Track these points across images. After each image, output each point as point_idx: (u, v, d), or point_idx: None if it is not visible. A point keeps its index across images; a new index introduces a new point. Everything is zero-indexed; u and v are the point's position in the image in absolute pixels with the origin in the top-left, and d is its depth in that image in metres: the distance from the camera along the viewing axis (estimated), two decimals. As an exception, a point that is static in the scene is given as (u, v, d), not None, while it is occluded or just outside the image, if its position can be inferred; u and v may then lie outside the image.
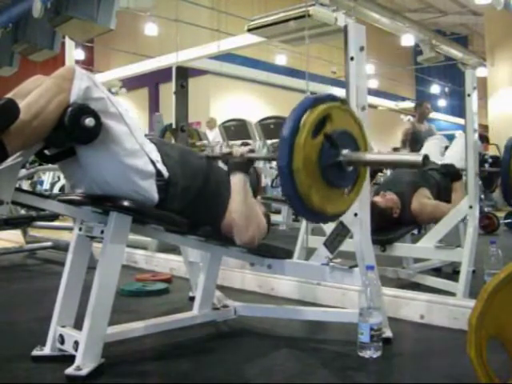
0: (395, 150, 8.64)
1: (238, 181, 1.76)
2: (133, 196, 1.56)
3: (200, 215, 1.72)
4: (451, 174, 2.95)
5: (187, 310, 2.06)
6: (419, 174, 2.96)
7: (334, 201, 1.52)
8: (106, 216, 1.59)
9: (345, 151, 1.46)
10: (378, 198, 2.76)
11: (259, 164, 6.50)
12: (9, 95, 1.49)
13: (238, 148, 1.84)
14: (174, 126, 2.53)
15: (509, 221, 6.03)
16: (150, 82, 12.76)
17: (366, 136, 1.58)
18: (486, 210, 6.20)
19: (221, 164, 1.92)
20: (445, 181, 2.94)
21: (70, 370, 1.47)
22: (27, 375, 1.53)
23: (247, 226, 1.73)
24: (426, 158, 1.36)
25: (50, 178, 7.54)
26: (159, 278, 2.96)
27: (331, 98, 1.51)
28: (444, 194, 2.90)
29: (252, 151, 1.81)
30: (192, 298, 2.19)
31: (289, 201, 1.45)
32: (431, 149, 3.53)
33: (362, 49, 1.84)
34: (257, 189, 2.00)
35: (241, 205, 1.74)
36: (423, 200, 2.82)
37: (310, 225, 2.72)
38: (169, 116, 3.25)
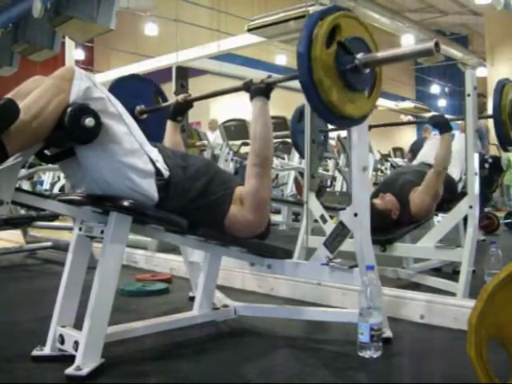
0: (395, 150, 8.66)
1: (259, 105, 1.80)
2: (133, 196, 1.56)
3: (201, 215, 1.73)
4: (439, 124, 2.88)
5: (187, 310, 2.06)
6: (418, 174, 2.96)
7: (358, 103, 1.59)
8: (106, 216, 1.59)
9: (359, 55, 1.52)
10: (376, 200, 2.75)
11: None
12: (8, 95, 1.49)
13: (257, 77, 1.87)
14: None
15: (509, 221, 6.03)
16: (150, 82, 12.73)
17: (374, 39, 1.64)
18: (485, 209, 6.20)
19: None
20: (444, 178, 2.92)
21: (69, 370, 1.47)
22: (27, 375, 1.53)
23: (266, 144, 1.78)
24: (437, 43, 1.41)
25: (50, 178, 7.54)
26: (159, 277, 2.96)
27: (337, 8, 1.56)
28: (443, 192, 2.89)
29: (271, 76, 1.84)
30: (192, 298, 2.19)
31: (318, 112, 1.54)
32: (431, 148, 3.52)
33: (362, 48, 1.83)
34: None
35: (260, 127, 1.78)
36: (418, 195, 2.81)
37: (309, 225, 2.72)
38: (169, 116, 3.25)
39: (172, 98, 2.37)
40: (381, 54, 1.56)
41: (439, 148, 2.84)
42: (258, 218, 1.81)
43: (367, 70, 1.56)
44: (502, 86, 2.57)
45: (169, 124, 2.22)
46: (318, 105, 1.50)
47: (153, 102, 2.37)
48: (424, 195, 2.79)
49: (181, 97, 2.22)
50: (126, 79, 2.39)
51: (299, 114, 3.60)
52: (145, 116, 2.32)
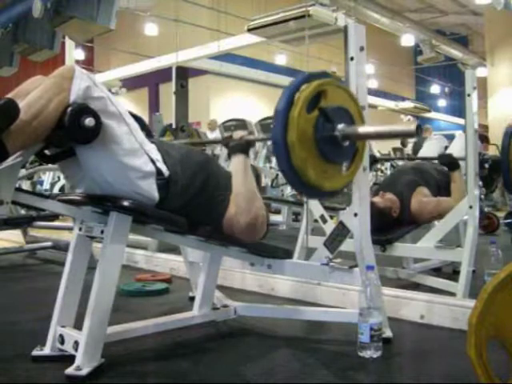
0: (395, 150, 8.65)
1: (238, 162, 1.80)
2: (133, 196, 1.56)
3: (201, 213, 1.72)
4: (448, 163, 2.91)
5: (187, 310, 2.06)
6: (418, 174, 2.96)
7: (331, 176, 1.54)
8: (106, 216, 1.59)
9: (340, 126, 1.48)
10: (376, 199, 2.76)
11: (259, 164, 6.50)
12: (8, 96, 1.49)
13: (237, 131, 1.87)
14: (173, 126, 2.53)
15: (509, 221, 6.03)
16: (150, 82, 12.77)
17: (362, 112, 1.60)
18: (485, 209, 6.20)
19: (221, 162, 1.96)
20: (444, 180, 2.93)
21: (70, 370, 1.47)
22: (27, 375, 1.53)
23: (249, 206, 1.74)
24: (418, 127, 1.39)
25: (50, 178, 7.54)
26: (159, 277, 2.96)
27: (325, 74, 1.54)
28: (444, 194, 2.89)
29: (251, 134, 1.84)
30: (192, 298, 2.19)
31: (284, 175, 1.47)
32: (430, 148, 3.53)
33: (362, 49, 1.83)
34: (257, 189, 2.01)
35: (242, 185, 1.76)
36: (423, 199, 2.81)
37: (309, 225, 2.72)
38: (169, 116, 3.25)
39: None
40: (362, 129, 1.52)
41: (453, 185, 2.85)
42: (252, 234, 1.80)
43: (347, 143, 1.51)
44: (510, 133, 2.60)
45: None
46: (285, 169, 1.44)
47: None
48: (430, 207, 2.78)
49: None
50: None
51: None
52: None
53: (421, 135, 1.42)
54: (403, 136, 1.50)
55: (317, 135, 1.44)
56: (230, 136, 1.86)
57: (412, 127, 1.40)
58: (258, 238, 1.84)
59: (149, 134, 2.34)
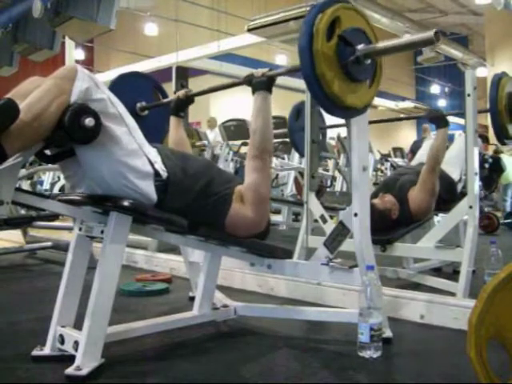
0: (395, 150, 8.65)
1: (260, 99, 1.82)
2: (132, 196, 1.56)
3: (202, 214, 1.72)
4: (437, 119, 2.87)
5: (187, 310, 2.06)
6: (417, 175, 2.95)
7: (360, 94, 1.61)
8: (106, 216, 1.59)
9: (360, 46, 1.54)
10: (376, 200, 2.75)
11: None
12: (7, 96, 1.49)
13: (258, 69, 1.88)
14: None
15: (509, 221, 6.04)
16: (150, 81, 12.74)
17: (373, 28, 1.65)
18: (485, 209, 6.20)
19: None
20: (442, 182, 2.92)
21: (70, 370, 1.47)
22: (27, 375, 1.53)
23: (265, 137, 1.80)
24: (437, 32, 1.42)
25: (50, 178, 7.54)
26: (159, 277, 2.96)
27: (335, 0, 1.57)
28: (443, 194, 2.89)
29: (271, 69, 1.86)
30: (192, 298, 2.19)
31: (321, 104, 1.55)
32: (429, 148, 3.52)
33: (362, 48, 1.83)
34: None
35: (261, 121, 1.80)
36: (415, 193, 2.81)
37: (309, 225, 2.72)
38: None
39: (171, 98, 2.37)
40: (381, 45, 1.57)
41: (433, 142, 2.84)
42: (258, 215, 1.81)
43: (368, 61, 1.57)
44: (498, 78, 2.58)
45: (172, 120, 2.24)
46: (321, 97, 1.52)
47: (153, 98, 2.37)
48: (420, 192, 2.79)
49: (181, 92, 2.23)
50: (126, 76, 2.39)
51: (297, 111, 3.59)
52: (146, 112, 2.33)
53: (440, 40, 1.43)
54: (422, 45, 1.52)
55: (341, 60, 1.51)
56: (251, 73, 1.87)
57: (430, 33, 1.42)
58: (261, 223, 1.85)
59: (163, 93, 2.37)
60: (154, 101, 2.36)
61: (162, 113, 2.33)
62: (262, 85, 1.83)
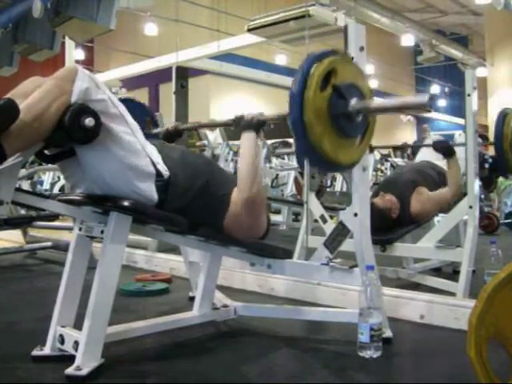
0: (395, 149, 8.64)
1: (247, 138, 1.80)
2: (132, 196, 1.56)
3: (201, 214, 1.72)
4: (443, 149, 2.87)
5: (187, 310, 2.06)
6: (417, 174, 2.96)
7: (347, 150, 1.58)
8: (106, 216, 1.59)
9: (353, 101, 1.51)
10: (376, 199, 2.75)
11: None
12: (7, 96, 1.49)
13: (249, 113, 1.87)
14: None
15: (509, 221, 6.03)
16: (150, 81, 12.76)
17: (368, 85, 1.63)
18: (485, 209, 6.20)
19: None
20: (443, 180, 2.93)
21: (70, 370, 1.47)
22: (27, 375, 1.53)
23: (252, 182, 1.73)
24: (431, 98, 1.40)
25: (50, 178, 7.54)
26: (159, 277, 2.96)
27: (333, 52, 1.57)
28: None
29: (262, 114, 1.84)
30: (192, 298, 2.19)
31: (304, 154, 1.52)
32: (429, 149, 3.52)
33: (361, 49, 1.83)
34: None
35: (248, 161, 1.76)
36: (422, 199, 2.81)
37: (309, 225, 2.72)
38: (169, 116, 3.25)
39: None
40: (374, 104, 1.55)
41: (449, 173, 2.83)
42: (253, 231, 1.81)
43: (360, 118, 1.54)
44: (504, 115, 2.58)
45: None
46: (305, 147, 1.48)
47: (144, 126, 2.36)
48: (429, 204, 2.79)
49: (172, 125, 2.23)
50: (123, 102, 2.39)
51: None
52: None
53: (432, 105, 1.42)
54: (415, 108, 1.51)
55: (331, 112, 1.49)
56: (241, 116, 1.86)
57: (424, 98, 1.41)
58: (259, 231, 1.85)
59: (155, 123, 2.37)
60: (145, 129, 2.35)
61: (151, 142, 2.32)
62: (251, 126, 1.81)
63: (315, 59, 1.49)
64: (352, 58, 1.67)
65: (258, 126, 1.81)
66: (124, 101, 2.47)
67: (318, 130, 1.45)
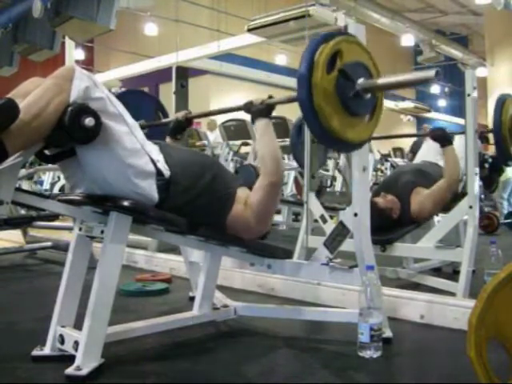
0: (395, 150, 8.65)
1: (261, 125, 1.83)
2: (133, 196, 1.56)
3: (203, 214, 1.72)
4: (440, 137, 2.86)
5: (187, 310, 2.06)
6: (417, 174, 2.95)
7: (358, 129, 1.59)
8: (106, 216, 1.59)
9: (360, 80, 1.52)
10: (377, 199, 2.75)
11: (259, 164, 6.49)
12: (7, 96, 1.49)
13: (258, 98, 1.89)
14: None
15: (509, 221, 6.03)
16: (150, 81, 12.75)
17: (375, 62, 1.63)
18: (485, 209, 6.20)
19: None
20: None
21: (70, 370, 1.47)
22: (27, 375, 1.53)
23: (278, 165, 1.80)
24: (437, 72, 1.42)
25: (50, 178, 7.54)
26: (159, 277, 2.96)
27: (338, 33, 1.58)
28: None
29: (271, 97, 1.86)
30: (192, 298, 2.19)
31: (317, 136, 1.54)
32: (429, 149, 3.51)
33: (362, 49, 1.83)
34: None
35: (270, 145, 1.81)
36: (419, 198, 2.81)
37: (309, 225, 2.72)
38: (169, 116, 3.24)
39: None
40: (381, 81, 1.56)
41: (446, 163, 2.83)
42: (259, 226, 1.83)
43: (368, 96, 1.56)
44: (502, 101, 2.57)
45: (167, 141, 2.21)
46: (316, 130, 1.50)
47: (153, 117, 2.37)
48: (427, 202, 2.78)
49: (181, 114, 2.22)
50: (129, 93, 2.41)
51: (298, 127, 3.61)
52: (145, 131, 2.32)
53: (440, 78, 1.42)
54: (423, 82, 1.51)
55: (340, 93, 1.49)
56: (250, 102, 1.88)
57: (431, 72, 1.42)
58: (261, 231, 1.85)
59: (164, 114, 2.37)
60: (155, 120, 2.35)
61: (161, 132, 2.33)
62: (262, 112, 1.84)
63: (320, 41, 1.50)
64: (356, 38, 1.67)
65: (268, 110, 1.84)
66: (132, 92, 2.49)
67: (327, 111, 1.47)
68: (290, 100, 1.77)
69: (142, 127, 2.30)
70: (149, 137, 2.31)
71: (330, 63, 1.48)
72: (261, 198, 1.78)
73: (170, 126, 2.23)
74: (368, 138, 1.67)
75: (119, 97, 2.28)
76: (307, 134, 2.85)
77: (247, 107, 1.87)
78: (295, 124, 3.68)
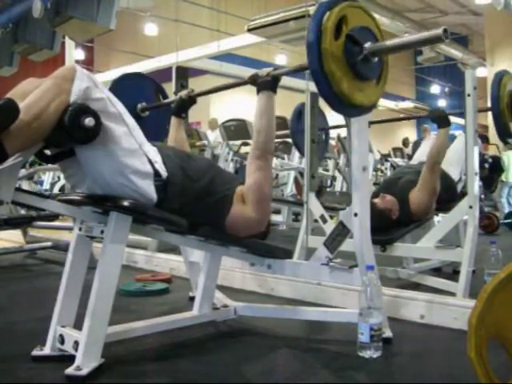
0: (395, 150, 8.66)
1: (263, 98, 1.82)
2: (132, 196, 1.56)
3: (202, 215, 1.72)
4: (439, 118, 2.85)
5: (187, 310, 2.06)
6: (417, 175, 2.95)
7: (367, 92, 1.60)
8: (106, 216, 1.59)
9: (367, 44, 1.53)
10: (376, 200, 2.75)
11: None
12: (6, 96, 1.49)
13: (264, 69, 1.88)
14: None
15: (509, 221, 6.03)
16: (150, 81, 12.74)
17: (379, 25, 1.65)
18: (485, 209, 6.20)
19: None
20: (442, 181, 2.92)
21: (70, 370, 1.47)
22: (27, 375, 1.53)
23: (270, 139, 1.81)
24: (445, 30, 1.41)
25: (50, 178, 7.54)
26: (159, 278, 2.95)
27: None
28: (443, 195, 2.89)
29: (276, 69, 1.85)
30: (192, 298, 2.19)
31: (329, 101, 1.54)
32: (428, 149, 3.51)
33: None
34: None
35: (266, 121, 1.80)
36: (415, 194, 2.81)
37: (309, 225, 2.72)
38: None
39: (172, 98, 2.37)
40: (389, 43, 1.57)
41: (434, 141, 2.84)
42: (259, 214, 1.81)
43: (375, 59, 1.57)
44: (500, 77, 2.57)
45: (173, 120, 2.22)
46: (329, 95, 1.51)
47: (153, 99, 2.38)
48: (421, 192, 2.80)
49: (184, 93, 2.22)
50: (128, 77, 2.41)
51: (298, 113, 3.60)
52: (147, 113, 2.33)
53: (448, 37, 1.42)
54: (430, 42, 1.52)
55: (349, 58, 1.51)
56: (256, 73, 1.87)
57: (439, 30, 1.42)
58: (262, 223, 1.85)
59: (164, 95, 2.38)
60: (155, 102, 2.36)
61: (163, 113, 2.34)
62: (267, 84, 1.82)
63: (326, 8, 1.51)
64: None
65: (274, 83, 1.83)
66: (132, 75, 2.49)
67: (338, 75, 1.48)
68: (297, 70, 1.77)
69: (144, 109, 2.32)
70: (152, 118, 2.31)
71: (336, 29, 1.49)
72: (254, 178, 1.78)
73: (174, 105, 2.23)
74: (376, 100, 1.68)
75: (118, 82, 2.29)
76: (307, 133, 2.85)
77: (253, 79, 1.86)
78: (295, 110, 3.66)
